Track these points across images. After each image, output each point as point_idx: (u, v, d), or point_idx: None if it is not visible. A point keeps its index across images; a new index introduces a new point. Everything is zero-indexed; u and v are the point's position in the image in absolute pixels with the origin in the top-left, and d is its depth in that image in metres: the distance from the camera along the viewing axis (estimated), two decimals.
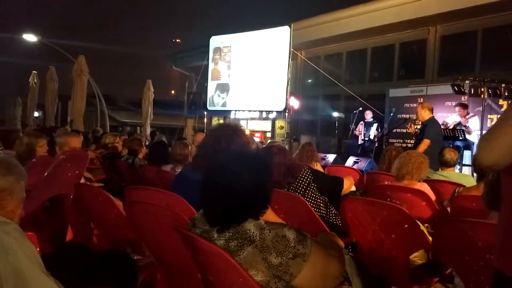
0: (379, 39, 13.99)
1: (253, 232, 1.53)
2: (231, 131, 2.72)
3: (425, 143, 6.30)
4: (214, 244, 1.55)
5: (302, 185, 3.25)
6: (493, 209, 2.20)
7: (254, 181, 1.62)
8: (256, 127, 17.32)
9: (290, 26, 12.81)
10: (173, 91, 49.45)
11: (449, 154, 4.76)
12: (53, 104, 16.93)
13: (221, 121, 16.80)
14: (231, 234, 1.55)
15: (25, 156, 3.89)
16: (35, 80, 18.97)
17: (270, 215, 1.70)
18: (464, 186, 3.79)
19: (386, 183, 3.98)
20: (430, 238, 2.59)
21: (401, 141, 11.01)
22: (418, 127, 7.30)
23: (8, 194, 1.70)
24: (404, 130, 9.99)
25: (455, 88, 8.80)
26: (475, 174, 4.89)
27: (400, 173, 3.68)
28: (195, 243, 1.63)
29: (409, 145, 9.78)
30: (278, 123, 16.70)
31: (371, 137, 11.37)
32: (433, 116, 6.73)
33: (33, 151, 4.00)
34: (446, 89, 9.51)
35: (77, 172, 3.33)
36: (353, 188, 3.90)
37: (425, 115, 6.61)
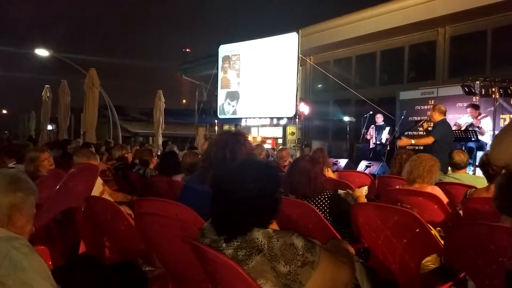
0: (388, 42, 13.94)
1: (261, 241, 1.52)
2: (233, 140, 2.64)
3: (429, 139, 6.54)
4: (222, 254, 1.54)
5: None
6: (504, 213, 2.15)
7: (260, 190, 1.61)
8: (267, 134, 17.35)
9: (298, 32, 12.84)
10: (184, 100, 49.68)
11: (458, 156, 4.66)
12: (66, 117, 17.17)
13: (232, 128, 16.87)
14: (239, 243, 1.55)
15: (33, 171, 3.93)
16: (48, 94, 19.26)
17: (273, 225, 1.69)
18: (475, 188, 3.74)
19: (398, 187, 3.94)
20: (443, 242, 2.56)
21: None
22: (430, 128, 7.33)
23: (18, 210, 1.71)
24: (416, 133, 9.91)
25: (466, 89, 8.73)
26: None
27: (411, 176, 3.63)
28: (204, 253, 1.63)
29: (421, 148, 9.68)
30: (289, 129, 16.71)
31: (383, 140, 11.29)
32: (445, 118, 6.71)
33: (38, 166, 4.03)
34: (457, 90, 9.43)
35: (88, 185, 3.36)
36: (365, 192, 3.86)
37: (436, 117, 6.64)
